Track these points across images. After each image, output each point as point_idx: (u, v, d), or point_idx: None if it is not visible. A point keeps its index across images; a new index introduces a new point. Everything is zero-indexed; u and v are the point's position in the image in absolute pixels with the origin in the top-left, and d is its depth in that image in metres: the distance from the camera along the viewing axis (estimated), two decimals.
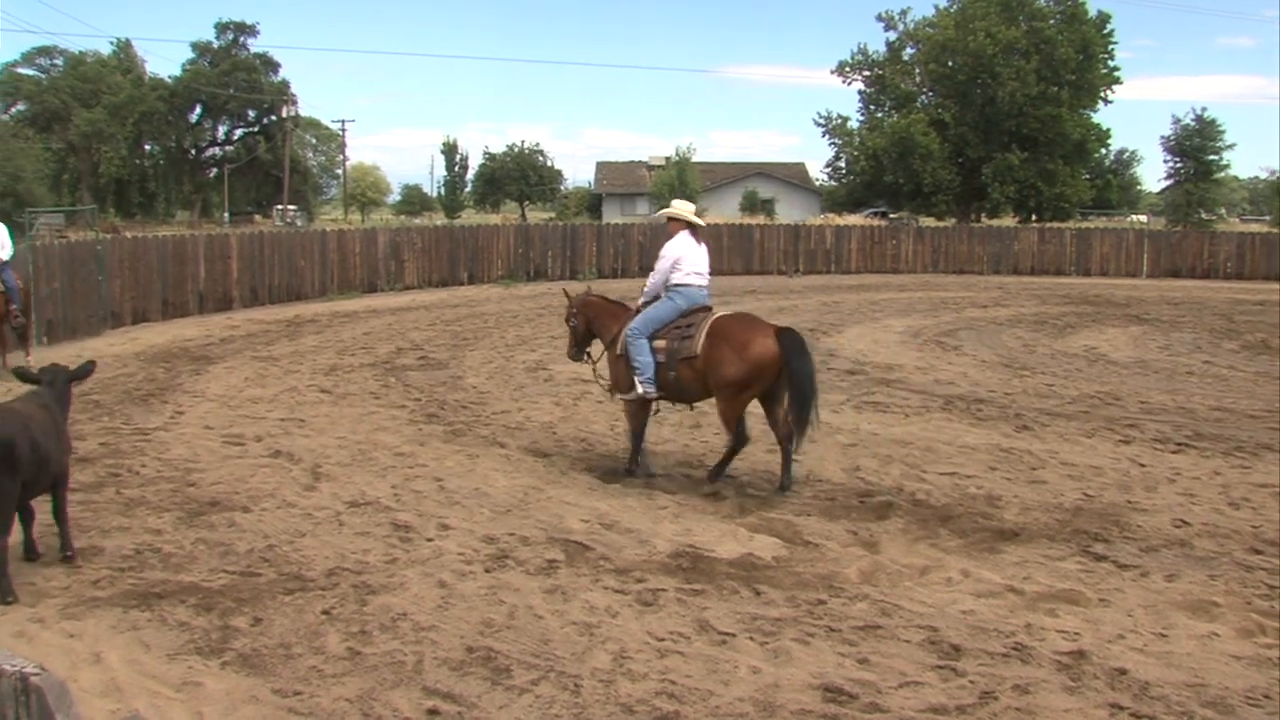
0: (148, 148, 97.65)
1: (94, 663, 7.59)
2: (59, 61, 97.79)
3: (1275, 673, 7.52)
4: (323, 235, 36.94)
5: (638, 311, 12.68)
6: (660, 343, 12.33)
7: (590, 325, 13.21)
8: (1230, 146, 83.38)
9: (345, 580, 9.19)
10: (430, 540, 10.21)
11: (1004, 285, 41.38)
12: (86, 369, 10.14)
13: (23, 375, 9.91)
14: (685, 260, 12.58)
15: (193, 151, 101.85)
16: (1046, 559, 9.83)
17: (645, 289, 12.82)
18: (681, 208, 13.09)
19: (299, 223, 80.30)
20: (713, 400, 12.48)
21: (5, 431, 8.70)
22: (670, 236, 12.82)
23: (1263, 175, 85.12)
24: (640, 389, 12.38)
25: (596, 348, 13.43)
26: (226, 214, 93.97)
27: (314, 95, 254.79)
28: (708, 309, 12.58)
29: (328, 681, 7.31)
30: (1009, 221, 70.35)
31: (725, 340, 11.95)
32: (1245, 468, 13.38)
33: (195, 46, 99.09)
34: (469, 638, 8.00)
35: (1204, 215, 79.94)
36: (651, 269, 12.88)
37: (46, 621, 8.34)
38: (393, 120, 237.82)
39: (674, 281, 12.54)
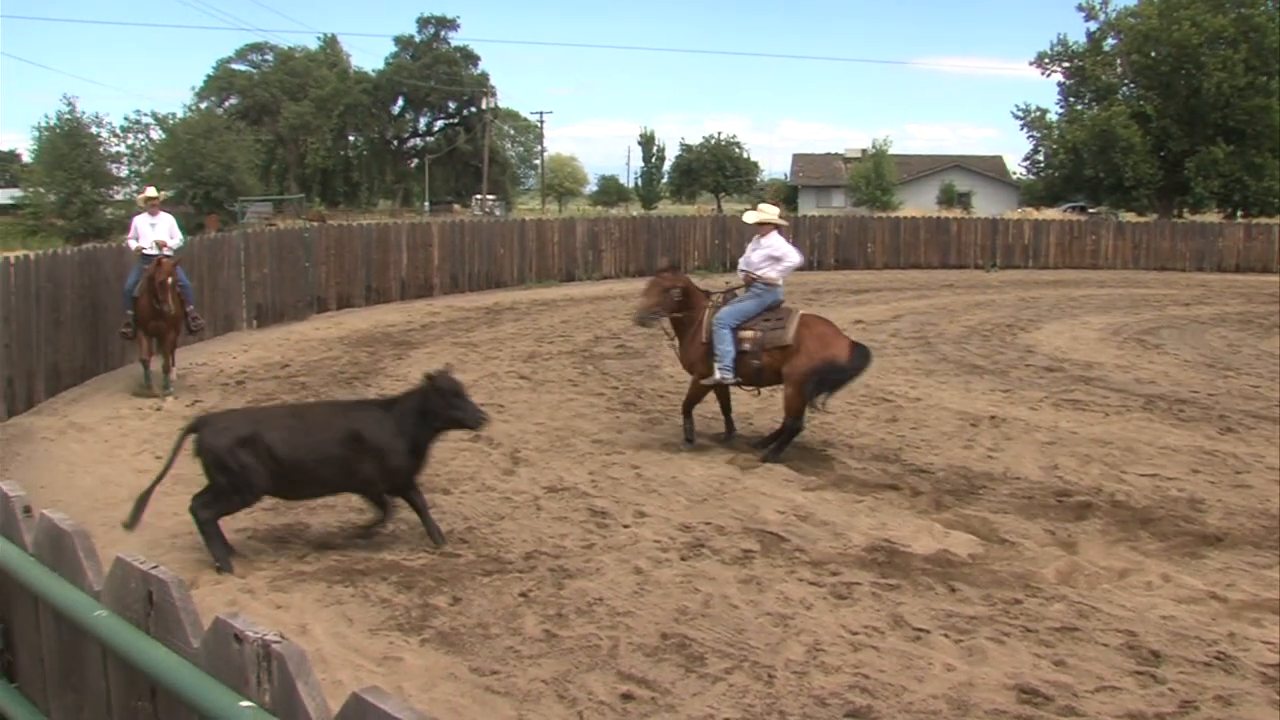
0: (351, 139, 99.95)
1: (300, 634, 7.84)
2: (269, 57, 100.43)
3: None
4: (521, 224, 37.39)
5: (718, 304, 13.56)
6: (748, 332, 13.18)
7: (682, 303, 13.68)
8: None
9: (542, 564, 9.38)
10: (626, 527, 10.36)
11: (1207, 283, 40.26)
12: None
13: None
14: (786, 259, 13.66)
15: (394, 142, 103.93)
16: (1251, 566, 9.58)
17: (766, 275, 13.52)
18: (770, 212, 14.17)
19: (497, 212, 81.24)
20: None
21: (208, 441, 9.32)
22: (763, 235, 13.79)
23: None
24: (719, 375, 13.27)
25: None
26: (427, 203, 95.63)
27: (512, 87, 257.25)
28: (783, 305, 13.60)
29: (524, 662, 7.48)
30: (1213, 217, 68.34)
31: (813, 336, 13.06)
32: None
33: (398, 40, 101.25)
34: (664, 624, 8.11)
35: None
36: (768, 257, 13.64)
37: (256, 593, 8.68)
38: (590, 112, 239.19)
39: (771, 278, 13.45)
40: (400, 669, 7.38)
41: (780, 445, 13.06)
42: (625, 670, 7.36)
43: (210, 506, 9.31)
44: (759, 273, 13.46)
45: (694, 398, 13.90)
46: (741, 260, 14.05)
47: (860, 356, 13.19)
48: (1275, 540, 10.27)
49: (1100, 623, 8.27)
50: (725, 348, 13.16)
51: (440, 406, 9.70)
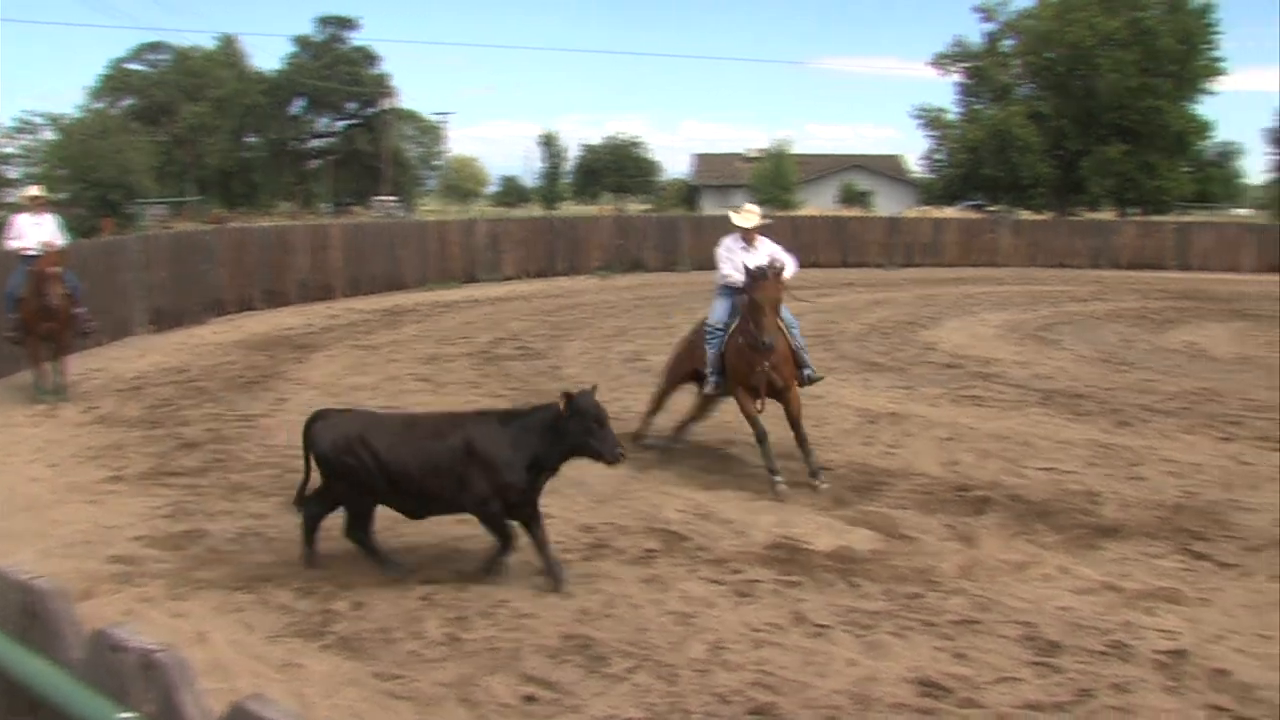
0: (251, 140, 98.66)
1: (199, 642, 7.75)
2: (166, 57, 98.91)
3: None
4: (422, 226, 37.26)
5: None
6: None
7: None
8: None
9: (445, 566, 9.31)
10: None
11: (1103, 279, 40.84)
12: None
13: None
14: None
15: (294, 143, 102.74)
16: (1146, 556, 9.75)
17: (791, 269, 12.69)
18: (757, 214, 13.37)
19: (398, 214, 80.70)
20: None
21: (314, 434, 9.28)
22: (758, 238, 12.97)
23: None
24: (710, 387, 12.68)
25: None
26: (327, 205, 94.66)
27: (414, 88, 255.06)
28: None
29: (426, 666, 7.45)
30: (1108, 215, 69.39)
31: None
32: None
33: (297, 41, 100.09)
34: (566, 625, 8.10)
35: None
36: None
37: (154, 601, 8.56)
38: (492, 112, 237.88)
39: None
40: (301, 675, 7.31)
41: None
42: (528, 672, 7.34)
43: (316, 503, 9.30)
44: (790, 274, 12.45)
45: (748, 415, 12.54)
46: (728, 267, 12.65)
47: None
48: (1169, 531, 10.45)
49: (999, 615, 8.38)
50: (712, 352, 12.61)
51: (576, 430, 8.94)
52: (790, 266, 12.47)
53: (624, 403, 15.77)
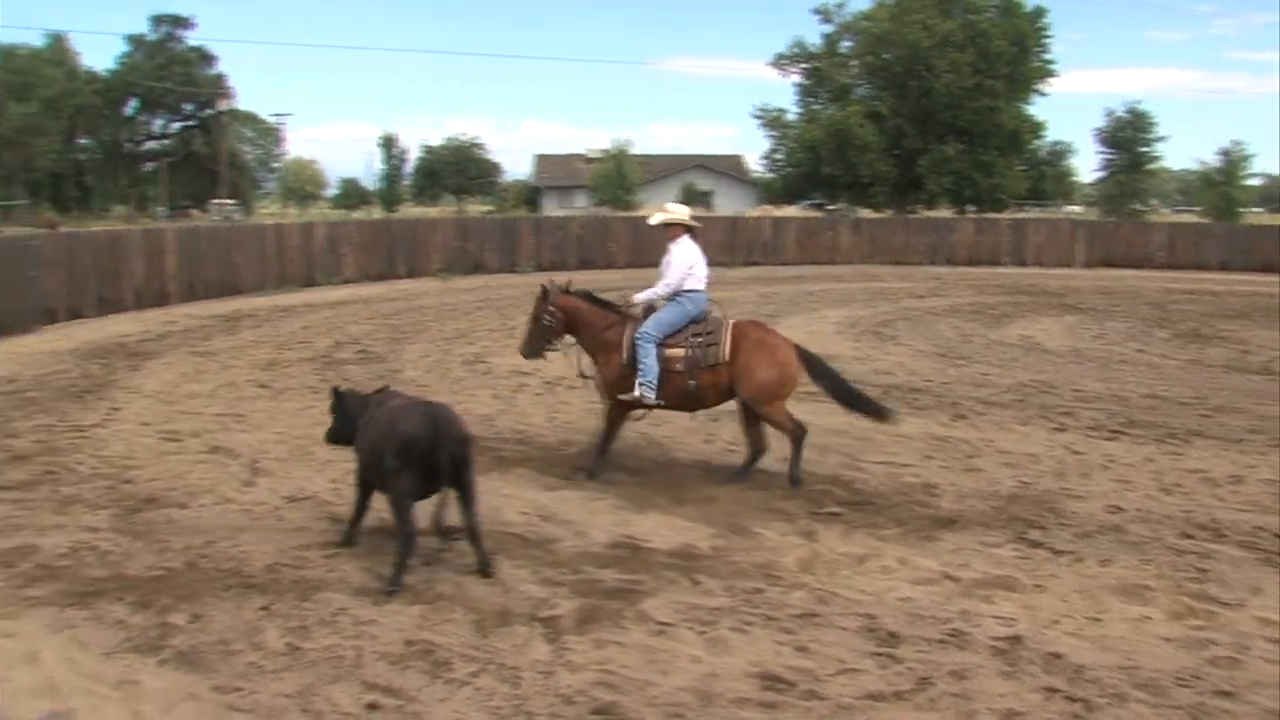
0: (83, 141, 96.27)
1: (30, 662, 7.53)
2: None
3: (1205, 654, 7.65)
4: (260, 229, 36.59)
5: (636, 317, 12.42)
6: (677, 351, 12.10)
7: (570, 326, 12.61)
8: (1162, 139, 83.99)
9: (285, 575, 9.15)
10: (369, 535, 10.18)
11: (940, 276, 41.59)
12: None
13: None
14: (697, 266, 12.45)
15: (128, 145, 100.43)
16: (983, 546, 9.94)
17: (648, 294, 12.50)
18: (680, 211, 12.95)
19: (236, 217, 79.33)
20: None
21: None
22: (673, 240, 12.62)
23: (1194, 167, 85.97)
24: (639, 392, 12.07)
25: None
26: (163, 208, 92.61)
27: (251, 89, 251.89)
28: (708, 315, 12.48)
29: (267, 677, 7.30)
30: (945, 213, 70.61)
31: (757, 347, 12.12)
32: (1177, 454, 13.55)
33: (130, 40, 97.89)
34: (408, 631, 8.01)
35: (1137, 206, 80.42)
36: (661, 274, 12.58)
37: None
38: (330, 114, 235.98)
39: (686, 287, 12.36)
40: (138, 692, 7.11)
41: (796, 460, 12.14)
42: (370, 680, 7.25)
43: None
44: (684, 286, 12.34)
45: (614, 425, 12.55)
46: (660, 283, 12.46)
47: (805, 354, 12.47)
48: (1005, 520, 10.66)
49: (840, 608, 8.46)
50: (649, 363, 12.01)
51: None
52: (660, 286, 12.42)
53: (465, 405, 15.65)
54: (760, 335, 12.34)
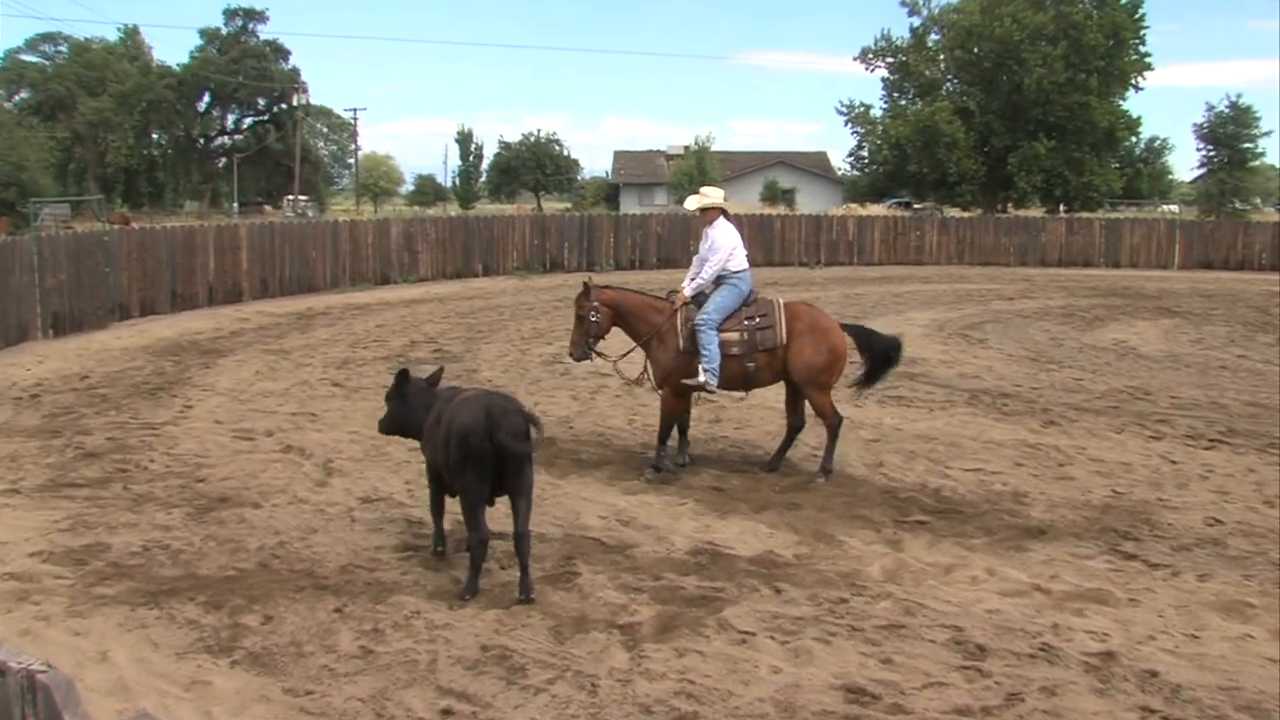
0: (155, 137, 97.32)
1: (101, 661, 7.53)
2: (63, 48, 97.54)
3: None
4: (334, 226, 36.71)
5: (687, 301, 12.56)
6: (731, 335, 12.26)
7: (618, 321, 12.68)
8: (1266, 134, 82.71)
9: (358, 577, 9.11)
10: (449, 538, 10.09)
11: (1030, 277, 41.14)
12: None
13: None
14: (738, 248, 12.62)
15: (201, 141, 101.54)
16: (1074, 557, 9.70)
17: (694, 280, 12.63)
18: (715, 194, 13.04)
19: (310, 213, 79.97)
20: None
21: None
22: (710, 225, 12.75)
23: None
24: (704, 378, 12.13)
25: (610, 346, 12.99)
26: (235, 204, 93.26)
27: (325, 83, 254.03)
28: (759, 297, 12.75)
29: (339, 681, 7.26)
30: (1036, 212, 69.89)
31: (811, 329, 12.39)
32: None
33: (203, 34, 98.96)
34: (484, 636, 7.93)
35: (1238, 205, 79.26)
36: (703, 258, 12.73)
37: (52, 620, 8.27)
38: (405, 109, 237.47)
39: (731, 269, 12.54)
40: (209, 693, 7.07)
41: (830, 450, 12.39)
42: (445, 685, 7.17)
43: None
44: (729, 268, 12.57)
45: (671, 414, 12.53)
46: (695, 260, 12.89)
47: (856, 331, 12.99)
48: (1097, 531, 10.41)
49: (926, 619, 8.29)
50: (712, 349, 12.13)
51: None
52: (707, 270, 12.59)
53: (542, 407, 15.57)
54: (814, 317, 12.64)
